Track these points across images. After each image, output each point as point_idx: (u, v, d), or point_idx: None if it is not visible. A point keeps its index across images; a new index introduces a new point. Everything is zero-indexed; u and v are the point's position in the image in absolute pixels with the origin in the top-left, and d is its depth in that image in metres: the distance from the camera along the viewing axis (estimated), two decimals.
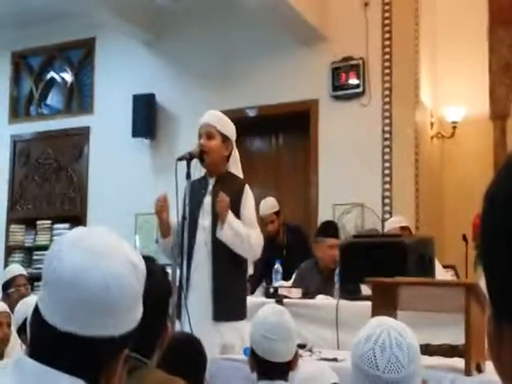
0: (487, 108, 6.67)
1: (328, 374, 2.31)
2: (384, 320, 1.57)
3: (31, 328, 1.20)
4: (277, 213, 5.91)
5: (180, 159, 3.49)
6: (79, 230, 1.22)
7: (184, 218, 3.43)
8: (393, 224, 5.37)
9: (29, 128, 8.35)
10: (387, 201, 6.33)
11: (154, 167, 7.49)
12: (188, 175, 3.48)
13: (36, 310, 1.17)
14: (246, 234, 3.53)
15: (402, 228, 5.21)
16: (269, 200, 5.90)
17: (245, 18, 6.93)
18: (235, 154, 3.74)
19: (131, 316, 1.17)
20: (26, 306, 3.52)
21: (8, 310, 4.02)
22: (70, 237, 1.18)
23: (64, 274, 1.11)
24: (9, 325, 3.94)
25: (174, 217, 3.54)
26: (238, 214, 3.57)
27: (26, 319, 3.38)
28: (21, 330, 3.44)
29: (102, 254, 1.13)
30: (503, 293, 0.64)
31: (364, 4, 6.57)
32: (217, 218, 3.54)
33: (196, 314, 3.38)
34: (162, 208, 3.56)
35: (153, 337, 1.76)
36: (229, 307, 3.50)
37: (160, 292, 1.77)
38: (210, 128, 3.64)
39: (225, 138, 3.66)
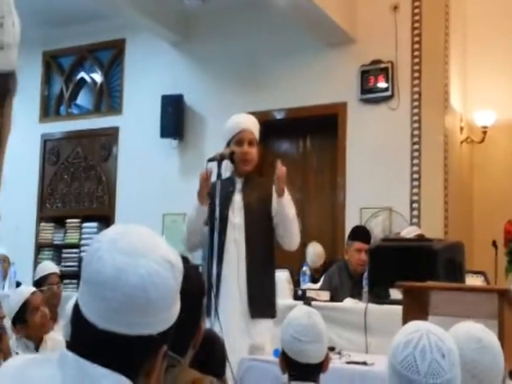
0: None
1: None
2: (421, 324, 1.56)
3: (72, 324, 1.21)
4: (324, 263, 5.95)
5: (211, 160, 3.51)
6: (117, 228, 1.22)
7: (215, 218, 3.44)
8: (407, 236, 5.33)
9: (59, 127, 8.43)
10: (415, 205, 6.29)
11: (181, 168, 7.53)
12: (219, 176, 3.49)
13: (76, 306, 1.18)
14: (297, 229, 3.62)
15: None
16: (317, 251, 5.89)
17: (273, 19, 6.94)
18: None
19: (169, 314, 1.18)
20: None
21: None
22: (108, 236, 1.18)
23: (103, 273, 1.12)
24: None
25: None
26: (269, 212, 3.61)
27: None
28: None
29: (140, 254, 1.14)
30: None
31: (393, 7, 6.54)
32: (249, 216, 3.57)
33: (227, 313, 3.39)
34: (207, 175, 3.55)
35: (187, 336, 1.77)
36: (264, 305, 3.53)
37: (194, 291, 1.78)
38: (251, 135, 3.70)
39: (257, 144, 3.77)
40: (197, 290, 1.83)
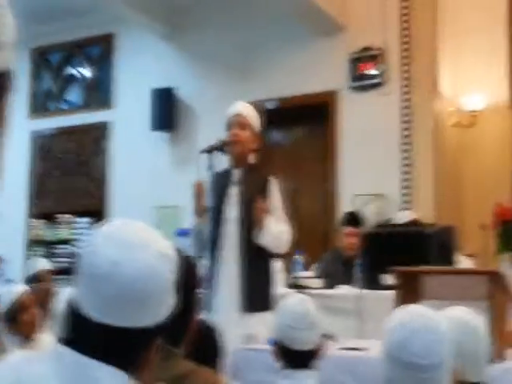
0: (507, 96, 6.62)
1: None
2: (414, 307, 1.59)
3: (67, 319, 1.22)
4: None
5: (203, 152, 3.52)
6: (113, 223, 1.23)
7: (207, 210, 3.45)
8: (401, 221, 5.33)
9: (49, 124, 8.40)
10: (407, 191, 6.32)
11: (173, 160, 7.52)
12: (210, 167, 3.50)
13: (71, 301, 1.19)
14: (284, 235, 3.58)
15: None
16: None
17: (263, 9, 6.93)
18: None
19: (165, 306, 1.20)
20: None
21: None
22: (103, 230, 1.20)
23: (99, 268, 1.13)
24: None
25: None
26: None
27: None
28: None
29: (136, 247, 1.15)
30: None
31: None
32: (245, 210, 3.58)
33: (222, 305, 3.40)
34: (200, 191, 3.57)
35: (181, 327, 1.78)
36: (257, 298, 3.52)
37: (189, 284, 1.78)
38: (242, 119, 3.67)
39: (254, 132, 3.71)
40: (192, 281, 1.84)
